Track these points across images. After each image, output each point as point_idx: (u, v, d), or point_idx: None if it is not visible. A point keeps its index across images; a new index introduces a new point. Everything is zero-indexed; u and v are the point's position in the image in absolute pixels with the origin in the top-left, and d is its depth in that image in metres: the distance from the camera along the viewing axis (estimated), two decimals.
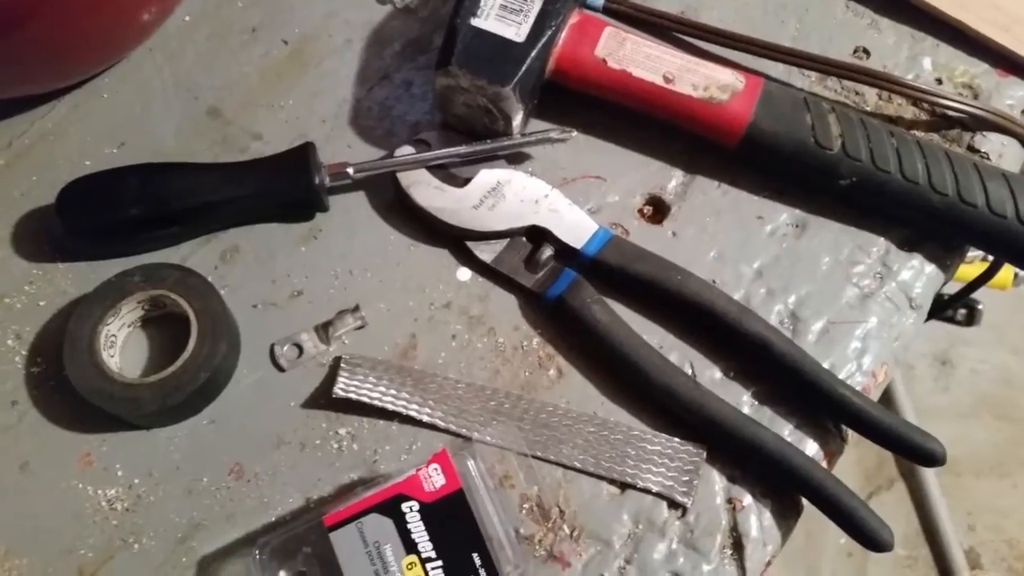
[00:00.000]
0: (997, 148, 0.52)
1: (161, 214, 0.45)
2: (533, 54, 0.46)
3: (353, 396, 0.43)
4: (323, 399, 0.44)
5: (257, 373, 0.45)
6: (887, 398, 1.56)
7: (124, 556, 0.41)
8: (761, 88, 0.48)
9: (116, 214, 0.45)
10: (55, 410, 0.43)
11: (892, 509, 1.51)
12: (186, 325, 0.42)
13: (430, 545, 0.38)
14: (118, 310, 0.43)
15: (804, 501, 0.43)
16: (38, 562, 0.40)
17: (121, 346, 0.45)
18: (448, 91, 0.47)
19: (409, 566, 0.38)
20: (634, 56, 0.48)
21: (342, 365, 0.44)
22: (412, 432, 0.44)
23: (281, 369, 0.45)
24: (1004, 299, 1.40)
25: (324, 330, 0.46)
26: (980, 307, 1.13)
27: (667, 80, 0.48)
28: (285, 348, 0.45)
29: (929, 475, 1.50)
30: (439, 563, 0.38)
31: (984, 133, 0.52)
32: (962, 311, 1.13)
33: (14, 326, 0.45)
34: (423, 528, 0.38)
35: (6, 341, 0.45)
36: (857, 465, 1.55)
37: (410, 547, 0.38)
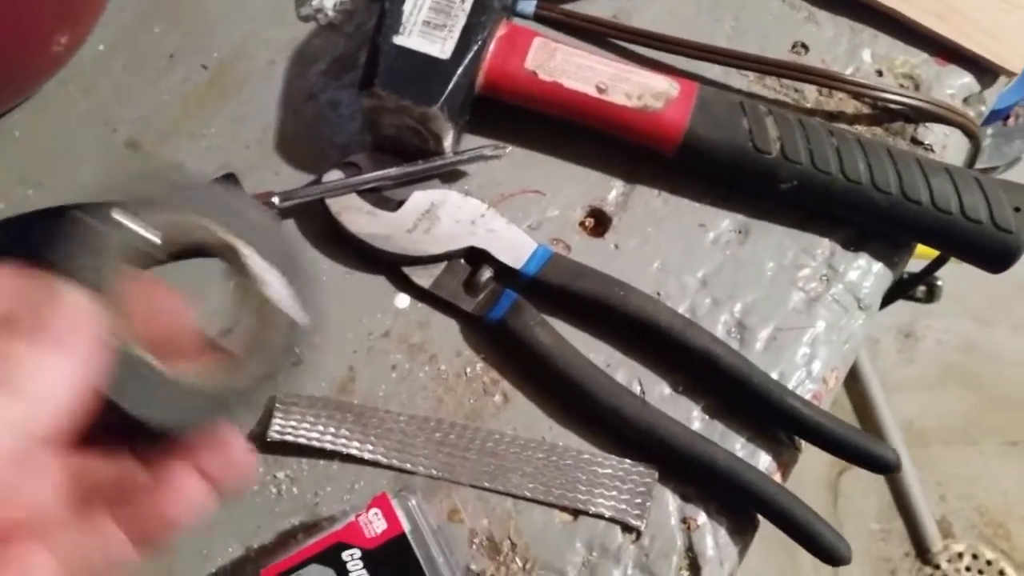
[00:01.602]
0: (940, 139, 0.51)
1: None
2: (460, 71, 0.45)
3: (290, 438, 0.42)
4: (259, 442, 0.42)
5: None
6: (853, 374, 1.57)
7: None
8: (696, 94, 0.47)
9: (38, 261, 0.43)
10: None
11: (864, 484, 1.52)
12: None
13: None
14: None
15: (760, 518, 0.42)
16: None
17: None
18: (374, 112, 0.46)
19: None
20: (565, 67, 0.47)
21: (276, 406, 0.42)
22: (354, 471, 0.42)
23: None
24: (964, 270, 1.42)
25: None
26: (939, 283, 1.14)
27: (600, 90, 0.47)
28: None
29: (899, 447, 1.52)
30: None
31: (927, 124, 0.51)
32: (922, 288, 1.13)
33: None
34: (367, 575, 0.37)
35: None
36: None
37: None
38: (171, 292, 0.29)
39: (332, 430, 0.42)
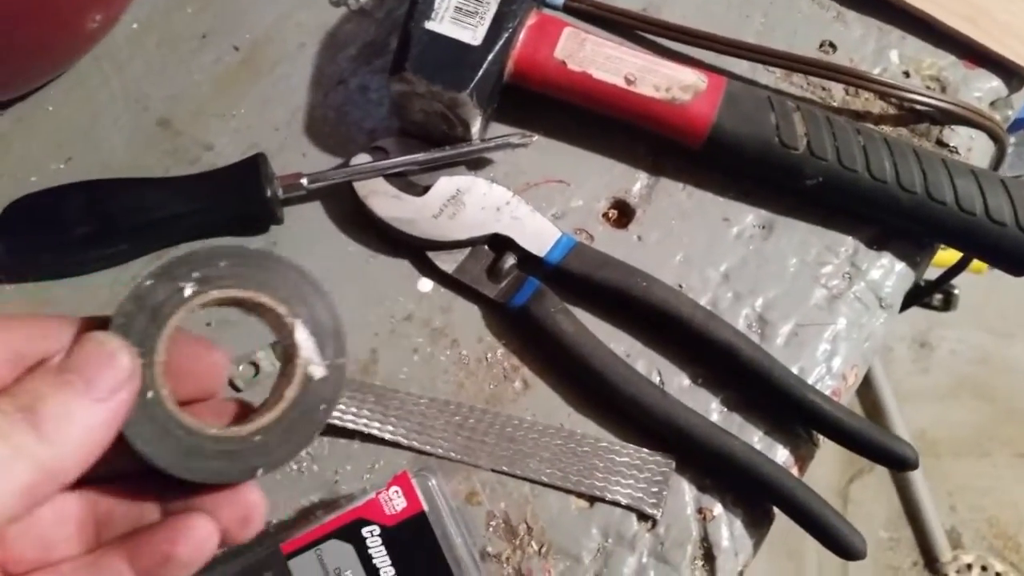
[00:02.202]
0: (966, 142, 0.51)
1: (109, 232, 0.44)
2: (490, 58, 0.45)
3: None
4: None
5: None
6: (866, 381, 1.56)
7: None
8: (724, 88, 0.47)
9: (64, 232, 0.44)
10: None
11: (874, 492, 1.52)
12: None
13: (392, 570, 0.37)
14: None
15: (776, 510, 0.42)
16: None
17: None
18: (404, 97, 0.46)
19: None
20: (594, 57, 0.47)
21: None
22: (374, 451, 0.43)
23: (238, 389, 0.44)
24: (981, 280, 1.41)
25: (281, 347, 0.44)
26: (956, 292, 1.13)
27: (628, 81, 0.47)
28: (241, 368, 0.44)
29: None
30: None
31: (952, 127, 0.51)
32: (938, 296, 1.12)
33: None
34: (384, 553, 0.37)
35: None
36: (839, 450, 1.55)
37: (372, 572, 0.37)
38: (213, 350, 0.30)
39: (354, 410, 0.43)
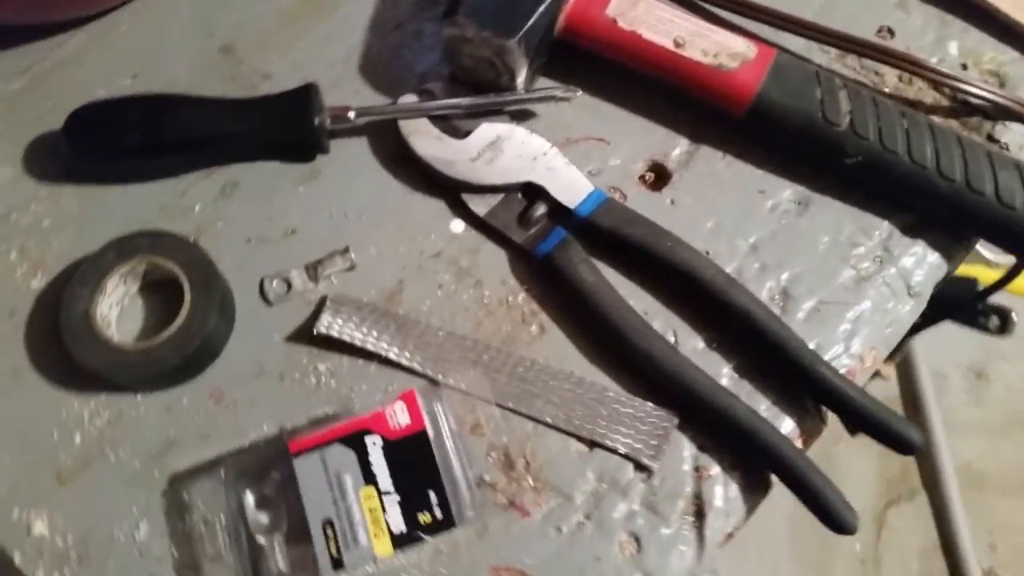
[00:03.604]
0: (1019, 139, 0.50)
1: (162, 143, 0.46)
2: (541, 9, 0.46)
3: (335, 334, 0.44)
4: (307, 335, 0.45)
5: (245, 305, 0.46)
6: (916, 406, 1.52)
7: (100, 466, 0.42)
8: (773, 59, 0.47)
9: (119, 140, 0.46)
10: (50, 324, 0.44)
11: (911, 521, 1.48)
12: (180, 288, 0.43)
13: (389, 480, 0.39)
14: (103, 288, 0.43)
15: (774, 479, 0.42)
16: (20, 464, 0.42)
17: (118, 318, 0.45)
18: (454, 42, 0.47)
19: (366, 497, 0.38)
20: (646, 18, 0.48)
21: (327, 303, 0.45)
22: (390, 374, 0.44)
23: (269, 303, 0.46)
24: None
25: (314, 269, 0.46)
26: (1014, 316, 1.10)
27: (677, 44, 0.47)
28: (274, 283, 0.46)
29: (952, 489, 1.47)
30: (396, 497, 0.38)
31: (1006, 123, 0.51)
32: (995, 319, 1.09)
33: (18, 241, 0.47)
34: (384, 463, 0.39)
35: (9, 255, 0.47)
36: (879, 474, 1.52)
37: (369, 479, 0.39)
38: None
39: (375, 333, 0.44)
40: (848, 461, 1.50)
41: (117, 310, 0.45)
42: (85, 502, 0.41)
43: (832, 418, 0.44)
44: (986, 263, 1.15)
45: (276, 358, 0.44)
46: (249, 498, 0.40)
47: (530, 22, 0.46)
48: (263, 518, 0.40)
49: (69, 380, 0.44)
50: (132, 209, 0.48)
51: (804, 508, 0.41)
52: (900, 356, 1.37)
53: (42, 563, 0.40)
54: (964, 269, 1.13)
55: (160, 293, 0.45)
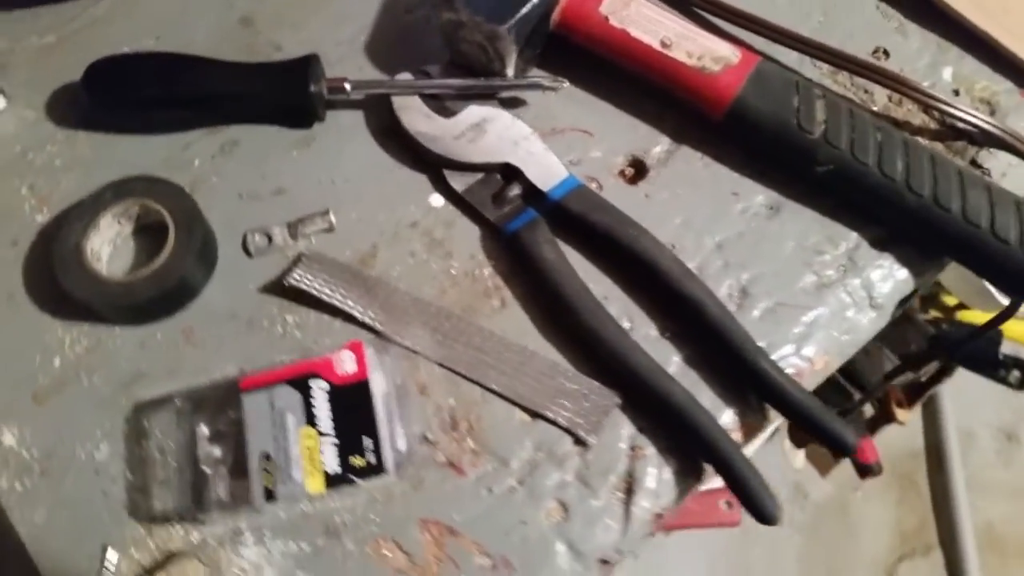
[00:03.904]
0: (1002, 167, 0.51)
1: (172, 97, 0.50)
2: (535, 1, 0.48)
3: (304, 287, 0.46)
4: (280, 287, 0.47)
5: (228, 255, 0.48)
6: (938, 464, 1.49)
7: (74, 389, 0.45)
8: (755, 65, 0.49)
9: (133, 92, 0.50)
10: (47, 256, 0.48)
11: None
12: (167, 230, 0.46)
13: (330, 423, 0.41)
14: (97, 224, 0.46)
15: (708, 468, 0.43)
16: (1, 381, 0.45)
17: (109, 256, 0.48)
18: (450, 26, 0.50)
19: (306, 436, 0.40)
20: (636, 17, 0.50)
21: (302, 259, 0.47)
22: (353, 331, 0.46)
23: (250, 255, 0.49)
24: None
25: (295, 227, 0.49)
26: None
27: (664, 45, 0.49)
28: (256, 236, 0.49)
29: (970, 549, 1.42)
30: (334, 440, 0.40)
31: (991, 150, 0.51)
32: (1016, 373, 1.07)
33: (30, 178, 0.51)
34: (327, 407, 0.41)
35: (21, 190, 0.50)
36: (895, 526, 1.48)
37: (311, 420, 0.41)
38: None
39: (342, 291, 0.47)
40: (863, 510, 1.47)
41: (109, 248, 0.48)
42: (55, 420, 0.44)
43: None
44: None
45: (248, 306, 0.47)
46: (203, 430, 0.43)
47: (522, 11, 0.48)
48: (215, 451, 0.42)
49: (56, 308, 0.47)
50: (138, 158, 0.51)
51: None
52: (920, 402, 1.34)
53: (6, 472, 0.43)
54: (981, 316, 1.10)
55: (152, 238, 0.48)
